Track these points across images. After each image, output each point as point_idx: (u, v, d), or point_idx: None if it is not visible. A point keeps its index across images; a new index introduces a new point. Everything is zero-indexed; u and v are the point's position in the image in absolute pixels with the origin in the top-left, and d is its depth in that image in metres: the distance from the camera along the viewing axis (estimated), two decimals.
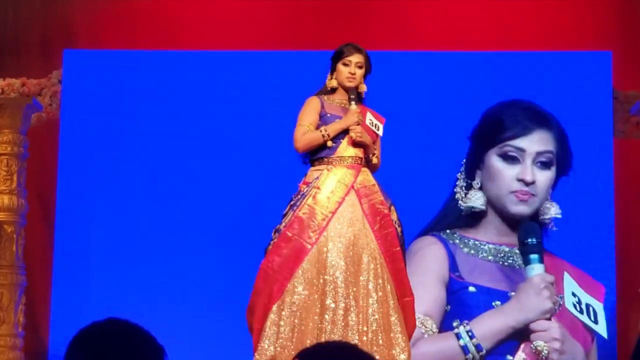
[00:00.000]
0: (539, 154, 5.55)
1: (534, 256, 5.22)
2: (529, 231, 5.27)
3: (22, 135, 7.08)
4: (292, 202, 4.69)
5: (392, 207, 4.73)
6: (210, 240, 6.95)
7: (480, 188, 5.65)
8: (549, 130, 5.68)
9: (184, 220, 7.00)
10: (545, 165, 5.60)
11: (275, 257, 4.57)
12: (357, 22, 7.12)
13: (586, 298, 5.34)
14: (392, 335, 4.45)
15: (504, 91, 6.74)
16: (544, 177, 5.59)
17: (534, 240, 5.23)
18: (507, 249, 5.55)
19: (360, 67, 4.75)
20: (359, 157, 4.69)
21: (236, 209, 6.91)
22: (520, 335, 5.17)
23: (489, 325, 5.23)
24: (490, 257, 5.34)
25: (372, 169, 4.81)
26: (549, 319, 5.19)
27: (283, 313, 4.47)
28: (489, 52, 6.98)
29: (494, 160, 5.60)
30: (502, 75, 6.88)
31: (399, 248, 4.62)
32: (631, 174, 6.97)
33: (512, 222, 5.67)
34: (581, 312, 5.29)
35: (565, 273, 5.41)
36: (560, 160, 5.68)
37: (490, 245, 5.54)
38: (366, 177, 4.70)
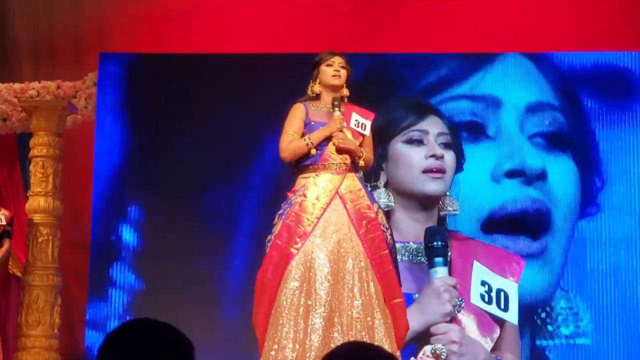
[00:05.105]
0: (439, 134, 5.58)
1: (438, 259, 5.28)
2: (434, 234, 5.32)
3: (58, 138, 7.14)
4: (280, 212, 4.76)
5: (380, 211, 4.78)
6: (243, 247, 6.96)
7: (385, 185, 5.62)
8: (440, 117, 5.71)
9: (220, 221, 7.01)
10: (446, 145, 5.61)
11: (269, 266, 4.65)
12: (395, 24, 7.13)
13: (498, 283, 5.39)
14: (376, 338, 4.50)
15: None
16: (449, 157, 5.61)
17: (439, 243, 5.29)
18: (414, 246, 5.54)
19: (343, 68, 4.81)
20: (345, 163, 4.74)
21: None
22: (421, 338, 5.17)
23: None
24: (398, 256, 5.33)
25: (363, 169, 4.86)
26: (450, 322, 5.23)
27: (274, 319, 4.54)
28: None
29: (399, 147, 5.57)
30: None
31: (386, 251, 4.68)
32: None
33: (420, 217, 5.63)
34: (489, 302, 5.32)
35: (475, 262, 5.43)
36: (455, 151, 5.69)
37: (399, 244, 5.51)
38: (352, 182, 4.75)
